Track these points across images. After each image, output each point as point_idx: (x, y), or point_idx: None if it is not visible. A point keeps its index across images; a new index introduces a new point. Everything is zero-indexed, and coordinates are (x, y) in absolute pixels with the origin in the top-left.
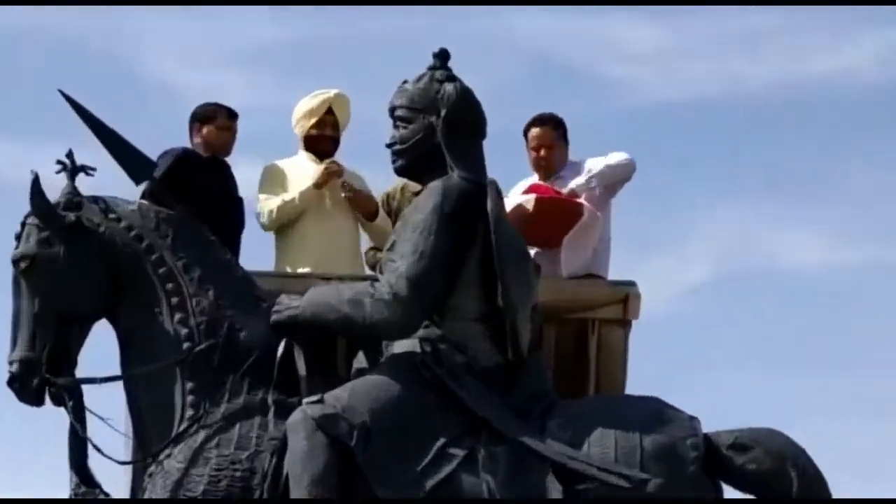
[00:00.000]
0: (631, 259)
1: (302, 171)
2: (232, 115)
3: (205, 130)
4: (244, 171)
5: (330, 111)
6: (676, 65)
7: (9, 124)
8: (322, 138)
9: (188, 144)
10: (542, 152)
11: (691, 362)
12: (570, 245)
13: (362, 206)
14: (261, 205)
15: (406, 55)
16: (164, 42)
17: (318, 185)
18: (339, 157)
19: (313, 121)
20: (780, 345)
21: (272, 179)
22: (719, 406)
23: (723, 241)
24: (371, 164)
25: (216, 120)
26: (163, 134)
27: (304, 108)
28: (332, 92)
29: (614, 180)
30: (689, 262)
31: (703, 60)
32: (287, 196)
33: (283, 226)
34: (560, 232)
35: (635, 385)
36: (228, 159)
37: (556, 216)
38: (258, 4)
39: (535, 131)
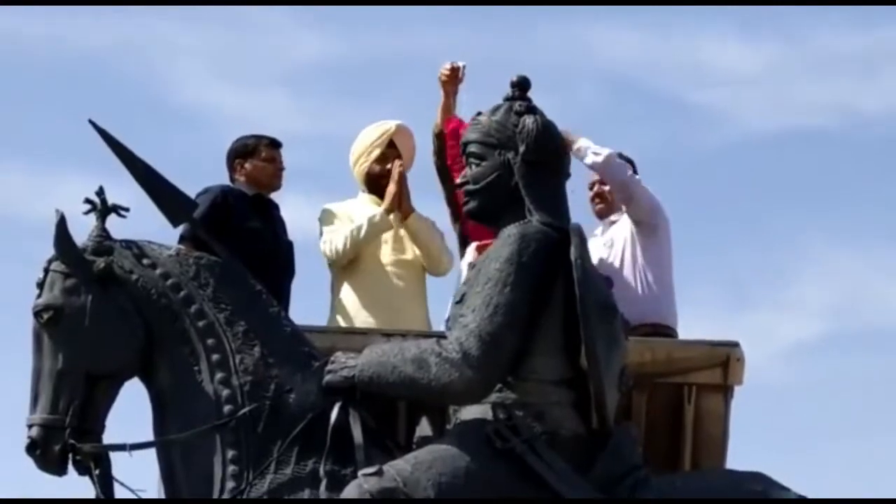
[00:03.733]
0: (727, 312)
1: (364, 214)
2: (275, 145)
3: (248, 166)
4: (290, 209)
5: (392, 145)
6: (779, 89)
7: (28, 153)
8: (386, 174)
9: (226, 181)
10: (596, 188)
11: (801, 432)
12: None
13: (405, 203)
14: (325, 238)
15: (474, 78)
16: (195, 60)
17: (390, 209)
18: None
19: (375, 156)
20: None
21: (335, 217)
22: (834, 483)
23: (836, 293)
24: (432, 200)
25: (258, 153)
26: (194, 163)
27: (362, 144)
28: (393, 124)
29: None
30: (795, 316)
31: (811, 84)
32: (354, 226)
33: (341, 273)
34: None
35: (737, 458)
36: (275, 197)
37: None
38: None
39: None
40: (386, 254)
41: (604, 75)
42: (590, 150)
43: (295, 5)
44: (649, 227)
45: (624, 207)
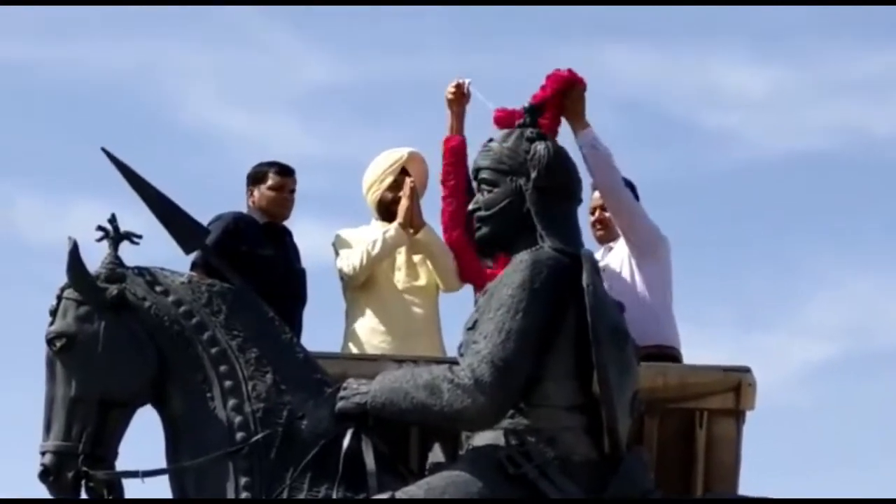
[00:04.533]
0: (735, 334)
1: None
2: (284, 172)
3: (256, 194)
4: (302, 234)
5: (404, 172)
6: (791, 112)
7: (41, 179)
8: (399, 201)
9: (242, 206)
10: (597, 214)
11: (814, 456)
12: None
13: (416, 217)
14: (341, 262)
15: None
16: (207, 83)
17: (405, 224)
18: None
19: (387, 183)
20: None
21: (350, 242)
22: None
23: (848, 315)
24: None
25: (266, 180)
26: (205, 187)
27: (375, 172)
28: (406, 151)
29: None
30: (805, 339)
31: (822, 107)
32: (370, 243)
33: (356, 299)
34: None
35: (750, 484)
36: (288, 223)
37: None
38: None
39: (595, 192)
40: (400, 280)
41: (615, 98)
42: (594, 139)
43: (303, 17)
44: (647, 250)
45: (621, 233)
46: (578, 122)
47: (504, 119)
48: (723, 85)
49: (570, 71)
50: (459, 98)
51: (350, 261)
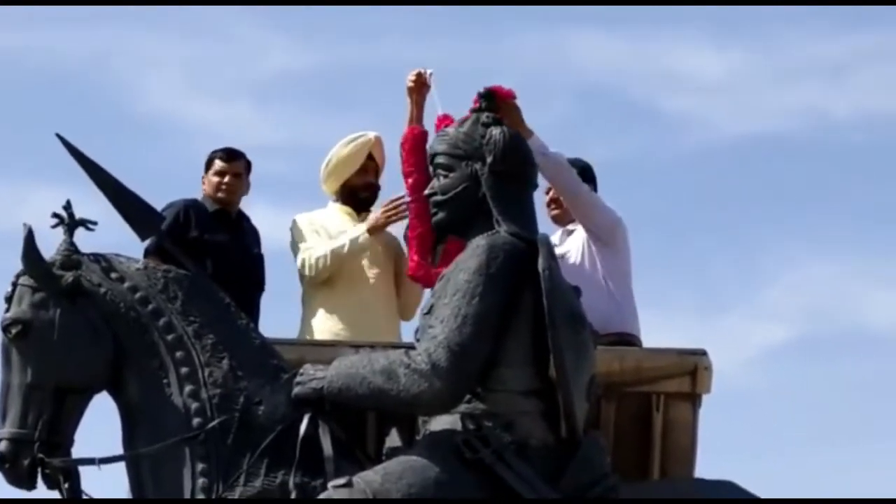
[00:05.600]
0: (697, 318)
1: (336, 225)
2: (228, 156)
3: (205, 180)
4: (259, 219)
5: (371, 157)
6: (750, 95)
7: None
8: (366, 186)
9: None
10: (551, 193)
11: (770, 439)
12: None
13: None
14: (303, 255)
15: (447, 87)
16: (165, 70)
17: (372, 230)
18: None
19: (355, 169)
20: (872, 419)
21: (309, 229)
22: (803, 490)
23: (804, 299)
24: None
25: (213, 165)
26: (162, 174)
27: (340, 157)
28: (371, 135)
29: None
30: (764, 322)
31: (781, 90)
32: (336, 244)
33: (313, 285)
34: None
35: (706, 467)
36: (245, 208)
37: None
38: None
39: None
40: (359, 267)
41: (576, 83)
42: (541, 146)
43: (263, 4)
44: (607, 238)
45: (580, 224)
46: (522, 133)
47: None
48: (682, 69)
49: (498, 87)
50: (419, 87)
51: (312, 261)
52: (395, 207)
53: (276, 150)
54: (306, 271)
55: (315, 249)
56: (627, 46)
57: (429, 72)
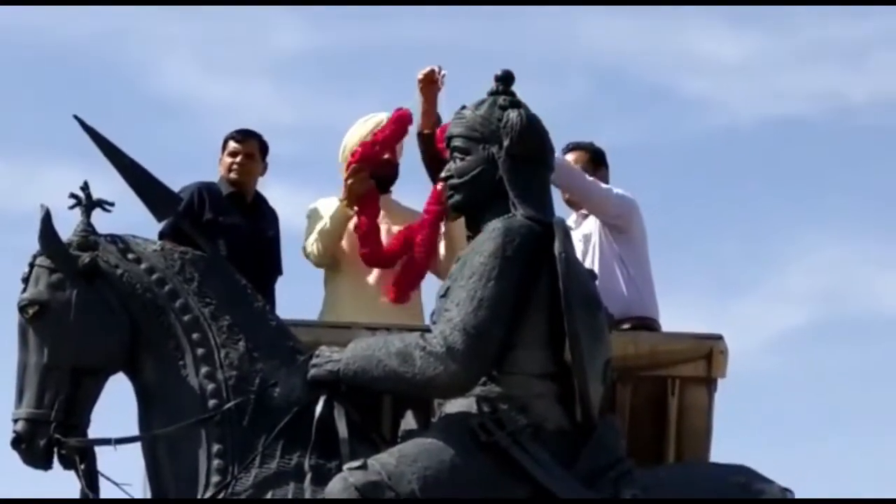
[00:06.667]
0: (712, 301)
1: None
2: (240, 137)
3: (221, 161)
4: (274, 200)
5: None
6: (766, 77)
7: (12, 146)
8: (383, 164)
9: (215, 173)
10: None
11: (785, 423)
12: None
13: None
14: (304, 244)
15: (458, 67)
16: (180, 50)
17: (344, 197)
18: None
19: None
20: (888, 402)
21: (316, 217)
22: (819, 474)
23: (821, 283)
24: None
25: (226, 146)
26: (178, 154)
27: (353, 138)
28: (383, 115)
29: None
30: (780, 305)
31: (797, 72)
32: (321, 223)
33: (332, 269)
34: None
35: (721, 451)
36: (260, 189)
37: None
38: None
39: (567, 155)
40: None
41: (590, 65)
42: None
43: None
44: (623, 226)
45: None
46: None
47: (400, 118)
48: (699, 51)
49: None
50: (429, 85)
51: (311, 246)
52: (352, 172)
53: (293, 131)
54: (310, 259)
55: (311, 236)
56: (644, 28)
57: (442, 72)
